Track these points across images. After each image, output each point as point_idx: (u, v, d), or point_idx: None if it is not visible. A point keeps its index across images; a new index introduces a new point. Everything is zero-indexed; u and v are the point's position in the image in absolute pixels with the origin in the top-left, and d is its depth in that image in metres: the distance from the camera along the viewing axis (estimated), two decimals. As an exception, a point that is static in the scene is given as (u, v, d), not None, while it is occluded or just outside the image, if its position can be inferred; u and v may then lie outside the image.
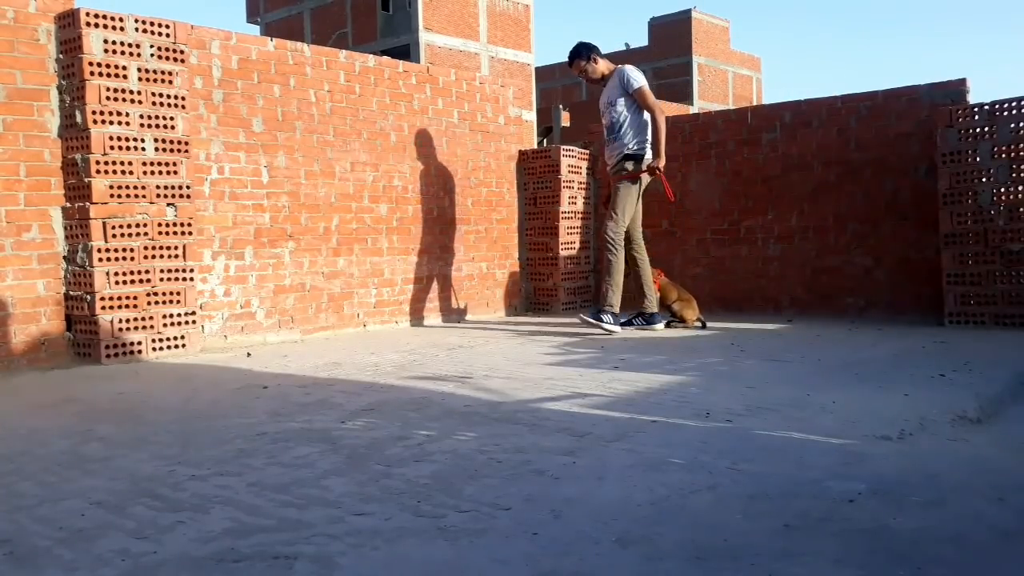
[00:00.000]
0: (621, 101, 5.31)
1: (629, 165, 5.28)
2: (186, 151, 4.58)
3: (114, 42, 4.30)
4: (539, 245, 6.79)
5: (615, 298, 5.25)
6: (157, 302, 4.44)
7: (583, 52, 5.47)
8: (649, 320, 5.40)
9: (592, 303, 5.59)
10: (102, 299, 4.23)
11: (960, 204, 5.07)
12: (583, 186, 6.92)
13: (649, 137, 5.31)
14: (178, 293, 4.53)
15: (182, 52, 4.58)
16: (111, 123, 4.28)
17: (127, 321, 4.33)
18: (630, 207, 5.30)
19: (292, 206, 5.29)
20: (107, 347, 4.25)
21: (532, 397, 3.19)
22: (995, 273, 4.97)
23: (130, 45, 4.36)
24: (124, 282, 4.32)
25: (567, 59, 5.57)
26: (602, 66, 5.45)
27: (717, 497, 1.94)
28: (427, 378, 3.68)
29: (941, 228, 5.15)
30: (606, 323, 5.16)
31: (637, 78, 5.30)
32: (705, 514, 1.83)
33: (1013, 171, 4.92)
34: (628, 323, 5.39)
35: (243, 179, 5.03)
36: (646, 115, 5.29)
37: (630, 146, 5.28)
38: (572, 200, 6.79)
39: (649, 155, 5.31)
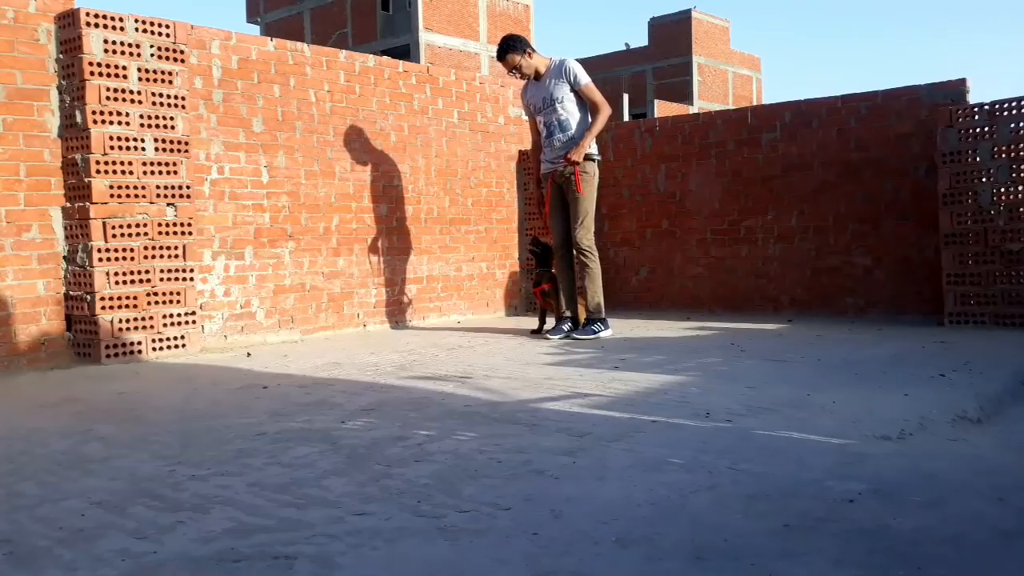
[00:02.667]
0: (569, 96, 5.04)
1: (587, 167, 5.06)
2: (186, 151, 4.58)
3: (114, 42, 4.30)
4: (539, 245, 6.78)
5: (601, 302, 5.13)
6: (157, 302, 4.45)
7: (517, 46, 5.06)
8: (593, 325, 5.13)
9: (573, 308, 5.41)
10: (102, 299, 4.23)
11: (960, 204, 5.07)
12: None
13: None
14: (178, 293, 4.53)
15: (182, 52, 4.58)
16: (111, 123, 4.28)
17: (127, 321, 4.33)
18: (593, 209, 5.11)
19: (292, 206, 5.30)
20: (107, 347, 4.25)
21: (532, 397, 3.19)
22: (995, 273, 4.97)
23: (130, 45, 4.36)
24: (124, 282, 4.32)
25: (497, 54, 5.14)
26: (536, 60, 5.10)
27: (717, 497, 1.94)
28: (427, 378, 3.68)
29: (941, 228, 5.15)
30: (601, 333, 5.06)
31: (584, 73, 5.08)
32: (705, 514, 1.83)
33: (1013, 171, 4.92)
34: (581, 331, 5.13)
35: (243, 179, 5.03)
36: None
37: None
38: (572, 200, 6.78)
39: (594, 149, 5.11)
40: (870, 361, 3.89)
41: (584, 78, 5.08)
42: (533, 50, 5.12)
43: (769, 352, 4.22)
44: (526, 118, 6.92)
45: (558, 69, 5.08)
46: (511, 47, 5.08)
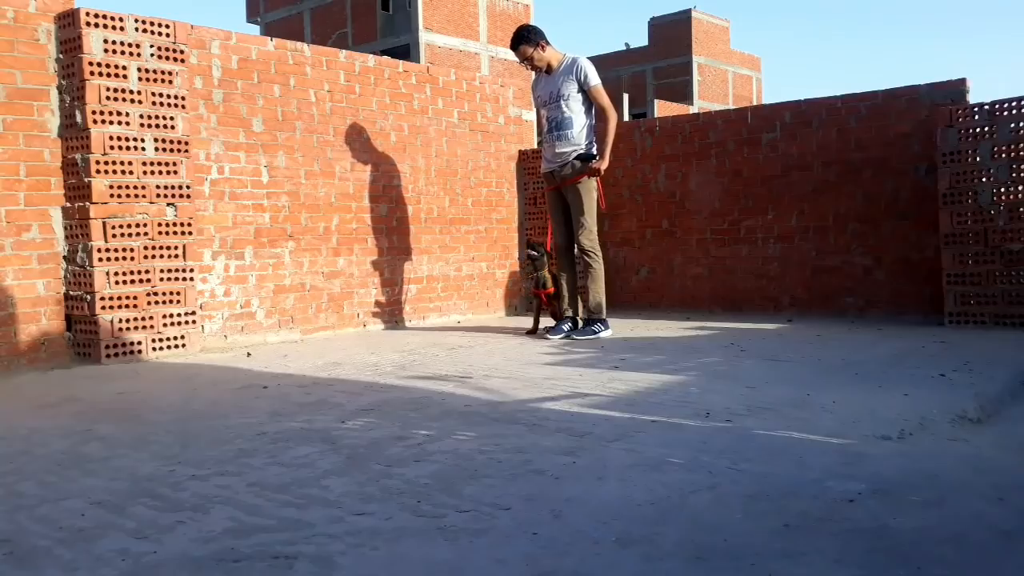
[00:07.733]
0: (575, 96, 5.01)
1: (585, 168, 5.05)
2: (186, 151, 4.58)
3: (114, 42, 4.30)
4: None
5: (602, 302, 5.13)
6: (157, 302, 4.45)
7: (530, 36, 5.03)
8: (593, 326, 5.13)
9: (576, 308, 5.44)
10: (102, 299, 4.23)
11: (960, 204, 5.07)
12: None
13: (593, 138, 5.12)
14: (178, 293, 4.53)
15: (182, 52, 4.58)
16: (111, 123, 4.28)
17: (127, 321, 4.33)
18: (593, 210, 5.08)
19: (292, 206, 5.30)
20: (107, 347, 4.25)
21: (532, 397, 3.19)
22: (995, 273, 4.97)
23: (130, 45, 4.36)
24: (124, 282, 4.32)
25: (511, 43, 5.11)
26: (550, 54, 5.06)
27: (717, 497, 1.94)
28: (427, 378, 3.68)
29: (941, 228, 5.15)
30: (601, 333, 5.05)
31: (595, 74, 5.05)
32: (705, 514, 1.83)
33: (1013, 171, 4.92)
34: (580, 331, 5.13)
35: (243, 179, 5.03)
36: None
37: (584, 145, 5.05)
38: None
39: (593, 149, 5.11)
40: (870, 361, 3.89)
41: (594, 79, 5.04)
42: (547, 43, 5.08)
43: (769, 352, 4.22)
44: (527, 118, 6.94)
45: (570, 66, 5.06)
46: (524, 38, 5.04)
